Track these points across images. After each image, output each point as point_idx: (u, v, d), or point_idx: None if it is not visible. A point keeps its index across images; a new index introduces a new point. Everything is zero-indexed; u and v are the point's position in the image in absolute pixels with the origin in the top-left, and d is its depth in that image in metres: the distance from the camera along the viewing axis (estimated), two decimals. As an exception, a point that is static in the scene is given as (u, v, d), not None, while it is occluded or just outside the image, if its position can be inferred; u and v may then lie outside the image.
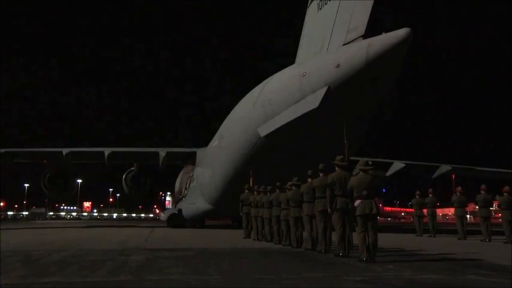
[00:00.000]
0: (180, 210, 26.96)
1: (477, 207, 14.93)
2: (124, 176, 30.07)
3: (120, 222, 55.90)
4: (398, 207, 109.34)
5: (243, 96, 19.87)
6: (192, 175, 26.96)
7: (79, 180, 71.44)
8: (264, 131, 16.66)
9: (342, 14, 14.55)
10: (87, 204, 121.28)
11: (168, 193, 64.24)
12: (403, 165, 28.60)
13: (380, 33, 13.12)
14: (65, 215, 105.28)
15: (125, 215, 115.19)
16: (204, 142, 26.11)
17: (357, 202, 7.51)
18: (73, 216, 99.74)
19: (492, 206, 16.16)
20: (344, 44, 14.25)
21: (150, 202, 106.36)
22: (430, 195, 17.55)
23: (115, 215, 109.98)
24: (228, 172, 20.09)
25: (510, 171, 28.49)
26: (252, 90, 18.89)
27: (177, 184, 32.12)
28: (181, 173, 31.37)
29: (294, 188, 10.93)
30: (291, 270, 6.55)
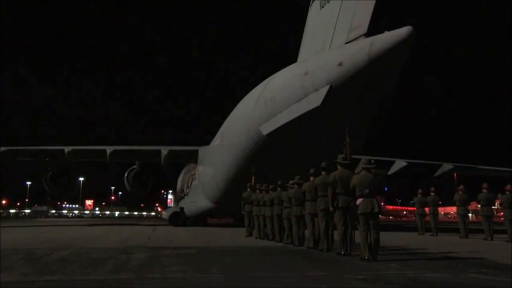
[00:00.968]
0: (182, 209, 26.93)
1: (479, 205, 14.90)
2: (126, 174, 30.01)
3: (122, 220, 56.00)
4: (400, 205, 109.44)
5: (246, 94, 19.87)
6: (194, 173, 26.93)
7: (81, 179, 71.86)
8: (266, 129, 16.65)
9: (344, 12, 14.51)
10: (89, 202, 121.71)
11: (170, 191, 64.17)
12: (405, 163, 28.55)
13: (382, 32, 13.09)
14: (67, 213, 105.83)
15: (126, 213, 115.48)
16: (206, 140, 26.18)
17: (359, 200, 7.51)
18: (75, 215, 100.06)
19: (494, 205, 16.08)
20: (346, 43, 14.21)
21: (152, 200, 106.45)
22: (432, 193, 17.56)
23: (117, 213, 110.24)
24: (230, 170, 20.09)
25: None
26: (254, 89, 18.88)
27: (179, 182, 32.07)
28: (183, 171, 31.34)
29: (295, 186, 10.94)
30: (292, 269, 6.54)
